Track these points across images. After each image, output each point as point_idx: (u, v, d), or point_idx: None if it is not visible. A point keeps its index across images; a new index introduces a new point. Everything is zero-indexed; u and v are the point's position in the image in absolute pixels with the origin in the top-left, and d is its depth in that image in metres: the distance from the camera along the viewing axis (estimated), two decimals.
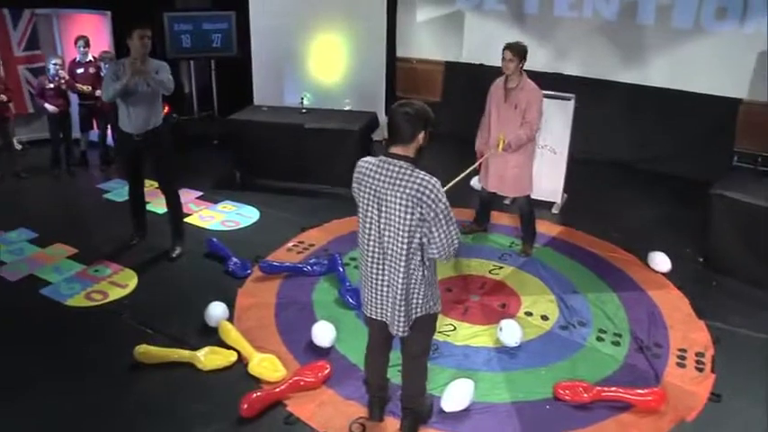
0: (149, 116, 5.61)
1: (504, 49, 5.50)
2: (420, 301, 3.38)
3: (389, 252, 3.28)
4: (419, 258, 3.27)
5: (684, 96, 8.12)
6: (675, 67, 8.26)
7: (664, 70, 8.35)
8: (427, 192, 3.11)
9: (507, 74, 5.56)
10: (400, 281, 3.28)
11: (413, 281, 3.31)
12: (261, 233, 6.49)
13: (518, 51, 5.47)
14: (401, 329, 3.40)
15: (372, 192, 3.25)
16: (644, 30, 8.40)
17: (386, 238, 3.26)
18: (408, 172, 3.16)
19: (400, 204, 3.15)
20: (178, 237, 6.04)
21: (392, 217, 3.20)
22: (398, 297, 3.32)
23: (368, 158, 3.38)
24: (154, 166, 5.90)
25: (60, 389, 4.26)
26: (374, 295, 3.43)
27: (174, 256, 5.92)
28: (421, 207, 3.12)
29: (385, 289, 3.37)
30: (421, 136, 3.23)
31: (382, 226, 3.26)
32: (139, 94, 5.49)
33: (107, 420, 4.02)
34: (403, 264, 3.25)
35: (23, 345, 4.74)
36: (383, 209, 3.22)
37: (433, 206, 3.12)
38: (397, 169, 3.18)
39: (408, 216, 3.15)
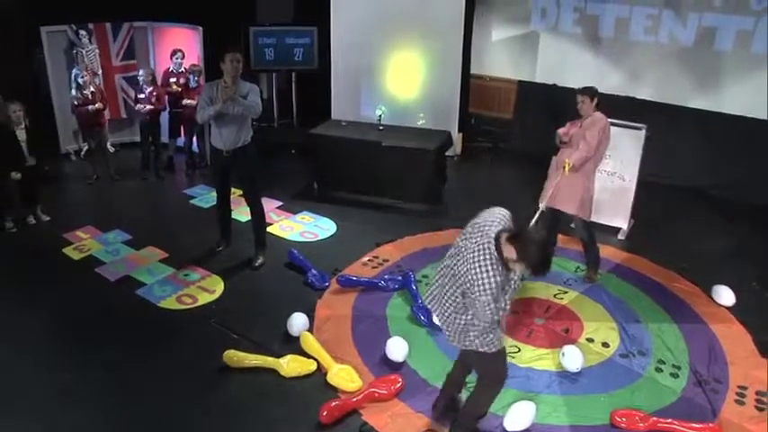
0: (239, 134, 6.02)
1: (577, 93, 5.81)
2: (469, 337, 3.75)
3: None
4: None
5: (761, 124, 8.09)
6: (752, 94, 8.22)
7: (740, 97, 8.33)
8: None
9: (583, 113, 5.82)
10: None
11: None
12: (338, 246, 6.86)
13: (590, 93, 5.78)
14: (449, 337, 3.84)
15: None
16: (721, 56, 8.42)
17: None
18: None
19: None
20: (261, 246, 6.46)
21: None
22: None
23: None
24: (240, 179, 6.33)
25: (151, 388, 4.71)
26: None
27: (256, 265, 6.35)
28: None
29: None
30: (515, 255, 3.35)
31: None
32: (230, 116, 5.92)
33: (194, 419, 4.44)
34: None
35: (120, 343, 5.21)
36: None
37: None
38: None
39: None
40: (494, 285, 3.34)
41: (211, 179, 6.55)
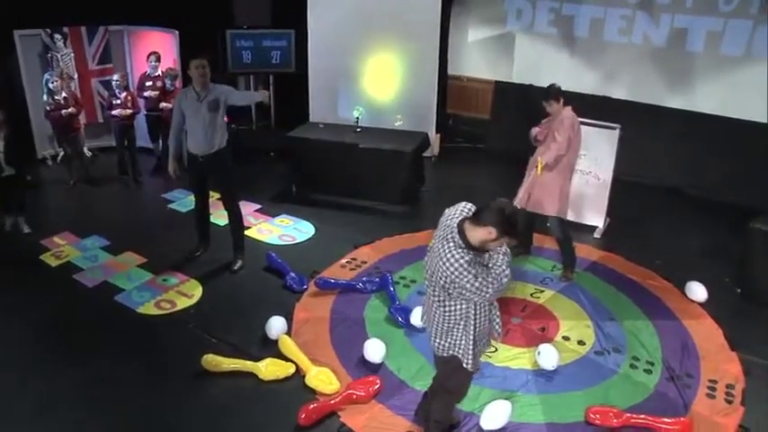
0: (214, 140, 6.03)
1: (543, 101, 5.92)
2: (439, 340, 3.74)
3: None
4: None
5: (734, 123, 8.22)
6: (725, 94, 8.39)
7: (713, 97, 8.48)
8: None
9: (553, 114, 5.94)
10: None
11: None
12: (316, 248, 6.89)
13: (553, 95, 5.87)
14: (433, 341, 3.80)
15: None
16: (693, 57, 8.56)
17: None
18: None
19: None
20: (239, 250, 6.48)
21: None
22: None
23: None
24: (217, 184, 6.35)
25: (131, 394, 4.71)
26: None
27: (235, 268, 6.37)
28: None
29: None
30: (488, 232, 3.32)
31: None
32: (204, 122, 5.93)
33: (173, 424, 4.46)
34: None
35: (99, 350, 5.21)
36: None
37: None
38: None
39: None
40: (465, 265, 3.30)
41: (189, 183, 6.55)
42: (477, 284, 3.33)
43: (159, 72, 8.80)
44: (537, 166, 5.90)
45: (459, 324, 3.59)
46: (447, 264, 3.33)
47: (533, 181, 6.01)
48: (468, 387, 4.06)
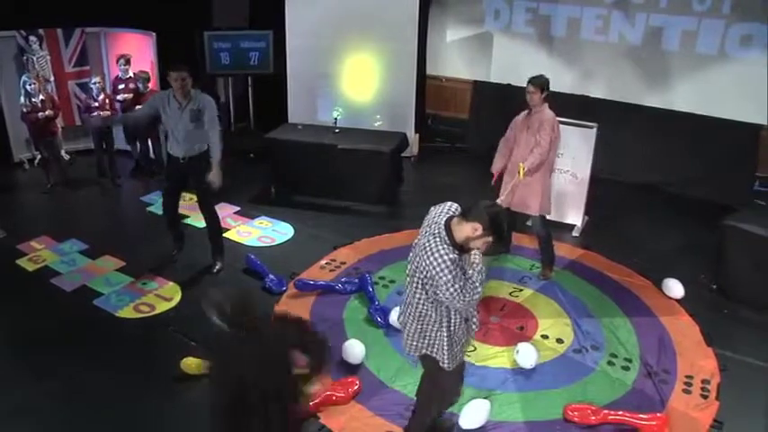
0: (195, 142, 6.00)
1: (527, 84, 5.81)
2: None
3: None
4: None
5: (708, 121, 8.31)
6: (699, 92, 8.49)
7: (688, 95, 8.58)
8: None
9: (532, 105, 5.84)
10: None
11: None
12: (295, 250, 6.89)
13: (540, 84, 5.77)
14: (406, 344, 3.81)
15: None
16: (669, 55, 8.66)
17: None
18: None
19: None
20: (218, 252, 6.46)
21: None
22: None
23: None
24: (197, 185, 6.30)
25: (110, 398, 4.68)
26: None
27: (215, 271, 6.35)
28: None
29: None
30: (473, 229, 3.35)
31: None
32: (185, 125, 5.90)
33: (154, 428, 4.45)
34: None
35: (78, 354, 5.17)
36: None
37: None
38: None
39: None
40: (449, 263, 3.30)
41: (166, 182, 6.46)
42: (451, 290, 3.33)
43: (131, 74, 8.75)
44: (519, 172, 5.83)
45: (434, 324, 3.60)
46: (431, 258, 3.34)
47: (515, 185, 5.97)
48: (459, 387, 4.04)
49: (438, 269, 3.32)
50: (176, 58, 6.13)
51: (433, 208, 3.63)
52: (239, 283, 6.20)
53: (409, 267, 3.62)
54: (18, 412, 4.53)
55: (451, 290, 3.32)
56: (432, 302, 3.53)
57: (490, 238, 3.38)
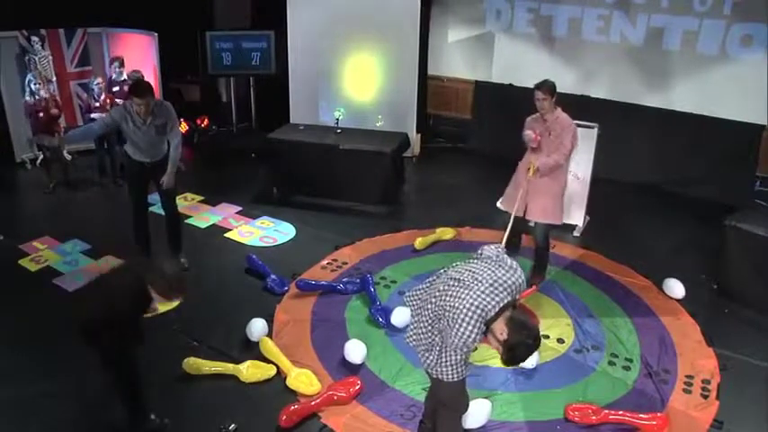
0: (158, 149, 6.04)
1: (535, 90, 5.64)
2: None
3: None
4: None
5: (709, 121, 8.34)
6: (700, 92, 8.52)
7: (689, 95, 8.61)
8: None
9: (543, 111, 5.66)
10: None
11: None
12: (297, 250, 6.90)
13: (548, 89, 5.60)
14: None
15: None
16: (669, 55, 8.67)
17: None
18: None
19: None
20: (179, 249, 6.46)
21: None
22: None
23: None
24: (158, 186, 6.23)
25: (112, 396, 4.61)
26: None
27: (187, 266, 6.29)
28: None
29: None
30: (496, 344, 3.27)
31: None
32: (148, 140, 5.91)
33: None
34: None
35: (80, 354, 5.12)
36: None
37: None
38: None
39: None
40: (473, 330, 3.21)
41: (129, 187, 6.43)
42: (454, 358, 3.36)
43: (125, 77, 8.75)
44: (529, 169, 5.71)
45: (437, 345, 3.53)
46: (461, 331, 3.22)
47: (529, 188, 5.79)
48: (465, 395, 3.93)
49: (458, 344, 3.25)
50: (140, 87, 5.88)
51: (485, 253, 3.56)
52: (241, 283, 6.23)
53: (429, 292, 3.53)
54: (19, 412, 4.55)
55: (455, 357, 3.39)
56: (438, 333, 3.48)
57: (501, 349, 3.26)
